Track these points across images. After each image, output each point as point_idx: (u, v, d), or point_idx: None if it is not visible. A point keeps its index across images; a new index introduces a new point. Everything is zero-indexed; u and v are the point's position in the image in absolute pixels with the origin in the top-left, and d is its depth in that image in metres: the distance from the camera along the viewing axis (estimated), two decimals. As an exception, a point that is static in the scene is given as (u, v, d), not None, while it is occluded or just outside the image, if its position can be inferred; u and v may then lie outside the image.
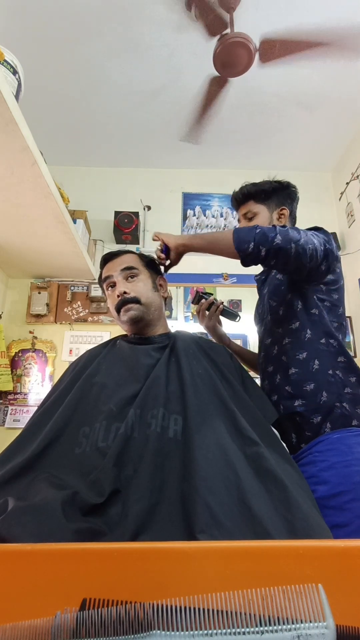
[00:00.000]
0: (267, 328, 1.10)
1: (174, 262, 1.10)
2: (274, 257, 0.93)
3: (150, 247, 2.66)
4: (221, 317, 1.28)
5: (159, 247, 1.09)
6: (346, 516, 0.81)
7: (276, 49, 1.75)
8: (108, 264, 1.03)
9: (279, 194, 1.19)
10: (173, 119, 2.44)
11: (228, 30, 1.69)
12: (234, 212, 1.33)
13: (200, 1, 1.68)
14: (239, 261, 1.27)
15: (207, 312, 1.26)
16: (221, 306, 1.25)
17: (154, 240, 1.11)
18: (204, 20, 1.70)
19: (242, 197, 1.20)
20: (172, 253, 1.06)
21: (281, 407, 1.00)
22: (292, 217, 1.23)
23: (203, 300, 1.25)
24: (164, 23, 1.83)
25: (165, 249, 1.07)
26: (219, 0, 1.71)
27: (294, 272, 0.99)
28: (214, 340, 1.27)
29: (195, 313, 1.31)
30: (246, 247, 0.92)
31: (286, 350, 1.03)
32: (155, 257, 1.10)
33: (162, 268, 1.12)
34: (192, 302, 1.28)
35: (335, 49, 1.80)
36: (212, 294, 1.27)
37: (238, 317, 1.27)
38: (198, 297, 1.25)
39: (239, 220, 1.25)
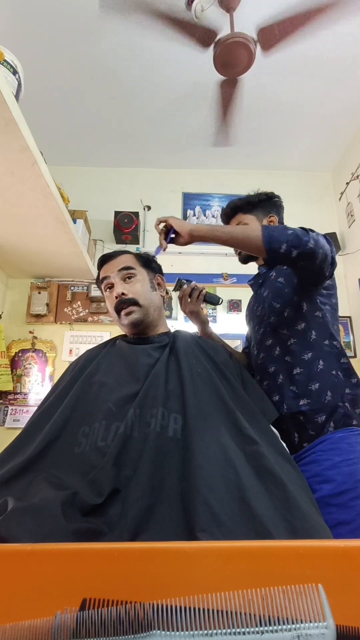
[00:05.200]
0: (268, 329, 1.11)
1: (178, 244, 1.05)
2: (303, 260, 0.94)
3: (150, 248, 2.66)
4: (204, 303, 1.26)
5: (163, 229, 1.05)
6: (350, 513, 0.84)
7: (275, 32, 1.71)
8: (105, 265, 1.03)
9: (265, 204, 1.24)
10: (173, 119, 2.44)
11: (222, 35, 1.67)
12: None
13: (186, 23, 1.71)
14: (237, 261, 1.29)
15: (189, 298, 1.22)
16: (204, 291, 1.23)
17: (157, 225, 1.06)
18: (193, 36, 1.71)
19: (231, 211, 1.26)
20: (181, 239, 1.03)
21: (284, 407, 1.01)
22: (280, 224, 1.26)
23: (185, 287, 1.22)
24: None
25: (172, 233, 1.03)
26: (218, 1, 1.70)
27: (311, 275, 1.01)
28: (195, 325, 1.27)
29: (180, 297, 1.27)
30: (278, 247, 0.93)
31: (291, 350, 1.05)
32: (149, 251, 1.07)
33: (162, 246, 1.06)
34: (174, 290, 1.24)
35: (335, 11, 1.70)
36: (192, 281, 1.23)
37: (220, 300, 1.27)
38: (179, 284, 1.24)
39: None
